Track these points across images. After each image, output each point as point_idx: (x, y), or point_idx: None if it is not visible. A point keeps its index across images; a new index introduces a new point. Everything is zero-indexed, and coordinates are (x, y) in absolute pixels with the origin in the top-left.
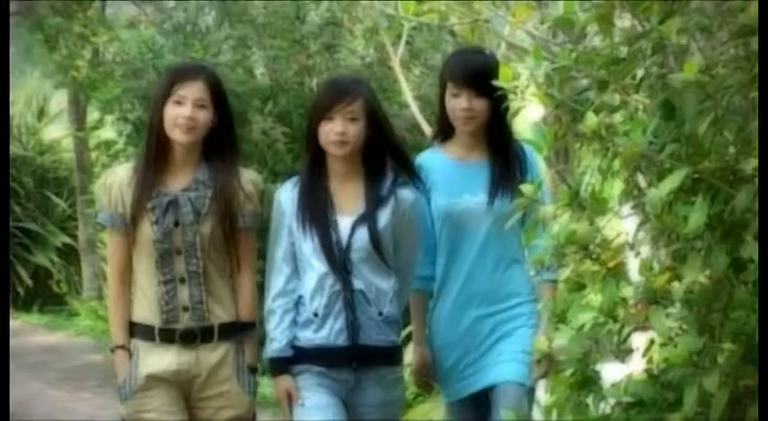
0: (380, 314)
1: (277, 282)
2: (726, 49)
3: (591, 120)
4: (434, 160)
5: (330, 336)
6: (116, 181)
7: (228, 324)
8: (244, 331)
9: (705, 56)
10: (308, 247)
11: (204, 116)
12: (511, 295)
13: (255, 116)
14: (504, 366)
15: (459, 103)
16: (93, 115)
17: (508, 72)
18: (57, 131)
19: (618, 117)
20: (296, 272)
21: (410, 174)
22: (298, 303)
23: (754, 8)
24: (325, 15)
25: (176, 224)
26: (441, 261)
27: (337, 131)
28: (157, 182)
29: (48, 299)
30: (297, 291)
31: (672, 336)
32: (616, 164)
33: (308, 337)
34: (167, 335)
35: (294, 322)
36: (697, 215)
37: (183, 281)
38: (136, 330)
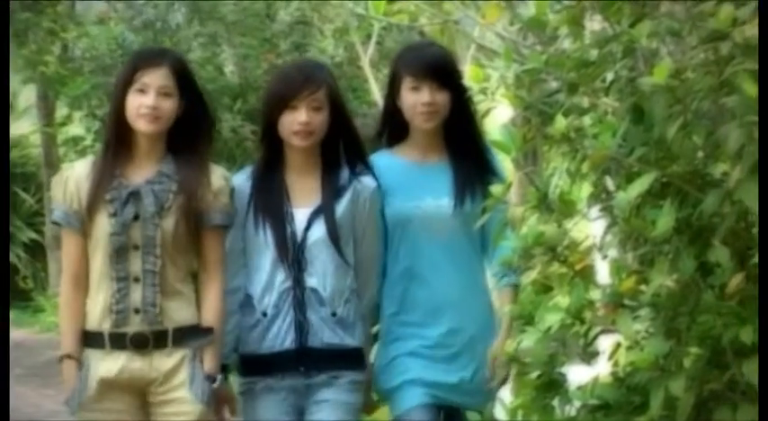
0: (334, 315)
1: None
2: (695, 53)
3: (560, 122)
4: (387, 163)
5: (277, 338)
6: (73, 175)
7: (185, 328)
8: (204, 337)
9: (675, 60)
10: (260, 241)
11: (169, 105)
12: (472, 305)
13: (225, 114)
14: (473, 394)
15: (421, 97)
16: (61, 111)
17: (479, 73)
18: (25, 127)
19: (587, 120)
20: (243, 268)
21: (366, 165)
22: (245, 303)
23: (724, 13)
24: (296, 14)
25: (136, 217)
26: (397, 270)
27: (302, 121)
28: (118, 173)
29: (14, 295)
30: (243, 289)
31: (638, 340)
32: (585, 166)
33: (255, 340)
34: (117, 340)
35: (240, 324)
36: (665, 219)
37: (136, 280)
38: (88, 339)
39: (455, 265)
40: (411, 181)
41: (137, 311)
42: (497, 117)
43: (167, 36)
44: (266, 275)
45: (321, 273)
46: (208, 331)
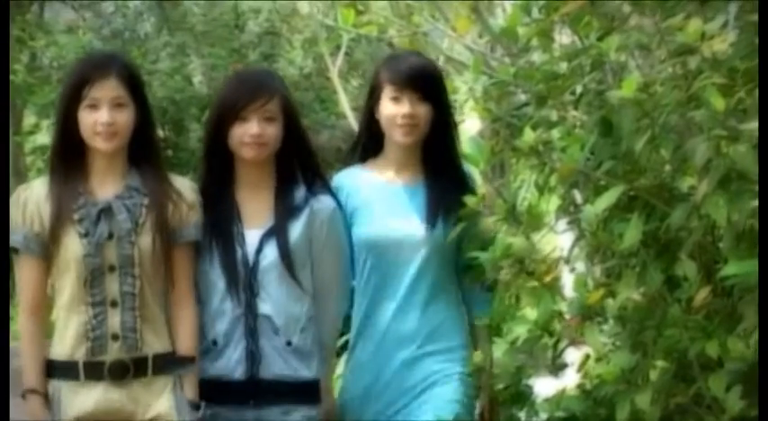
0: (289, 344)
1: None
2: (664, 67)
3: (528, 135)
4: (356, 181)
5: (227, 368)
6: (32, 196)
7: (165, 355)
8: (184, 363)
9: (643, 74)
10: (210, 265)
11: (125, 117)
12: (444, 336)
13: (193, 124)
14: (435, 411)
15: (401, 109)
16: (29, 119)
17: (448, 85)
18: None
19: (555, 133)
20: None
21: (324, 182)
22: None
23: (692, 27)
24: (265, 25)
25: (110, 236)
26: (361, 298)
27: (253, 133)
28: (82, 191)
29: None
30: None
31: (605, 352)
32: (553, 179)
33: (204, 367)
34: (94, 370)
35: None
36: (632, 232)
37: (114, 304)
38: (55, 370)
39: (424, 293)
40: (381, 201)
41: (115, 338)
42: (466, 129)
43: (135, 45)
44: (216, 301)
45: (275, 300)
46: (188, 359)
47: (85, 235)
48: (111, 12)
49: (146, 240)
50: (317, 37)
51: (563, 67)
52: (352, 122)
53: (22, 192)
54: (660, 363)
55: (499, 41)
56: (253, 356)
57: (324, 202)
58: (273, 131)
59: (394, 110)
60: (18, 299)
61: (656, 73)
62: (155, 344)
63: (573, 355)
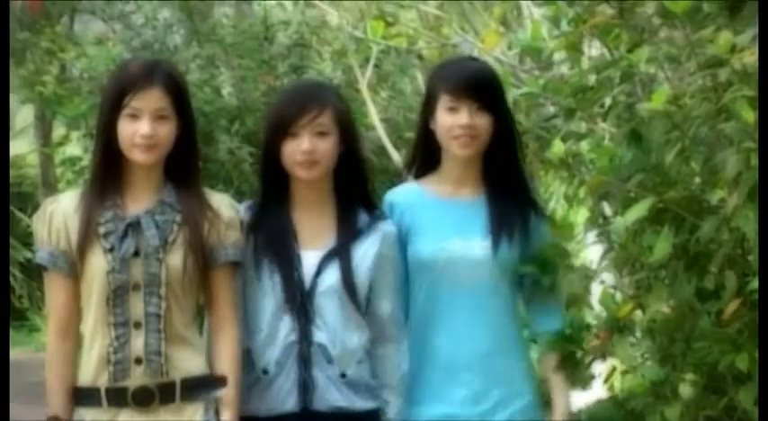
0: (343, 376)
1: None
2: (694, 79)
3: (557, 147)
4: (412, 197)
5: (278, 399)
6: (58, 209)
7: (194, 379)
8: (216, 387)
9: (673, 86)
10: (262, 288)
11: (167, 130)
12: (507, 364)
13: (222, 136)
14: None
15: (458, 119)
16: (58, 131)
17: None
18: (22, 147)
19: (585, 145)
20: (242, 319)
21: (374, 204)
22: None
23: (722, 39)
24: (294, 37)
25: (137, 253)
26: (417, 321)
27: (304, 149)
28: (112, 204)
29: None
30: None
31: (634, 365)
32: (582, 191)
33: (253, 400)
34: (117, 397)
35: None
36: (662, 244)
37: (138, 325)
38: (80, 396)
39: (484, 317)
40: (440, 218)
41: (138, 361)
42: None
43: (165, 58)
44: (268, 327)
45: (331, 327)
46: (220, 380)
47: (110, 250)
48: (141, 24)
49: (175, 258)
50: (347, 49)
51: (592, 79)
52: (382, 134)
53: (48, 205)
54: (690, 376)
55: (528, 54)
56: (305, 386)
57: (389, 225)
58: (326, 147)
59: (451, 121)
60: (47, 317)
61: (685, 85)
62: (183, 368)
63: (599, 367)
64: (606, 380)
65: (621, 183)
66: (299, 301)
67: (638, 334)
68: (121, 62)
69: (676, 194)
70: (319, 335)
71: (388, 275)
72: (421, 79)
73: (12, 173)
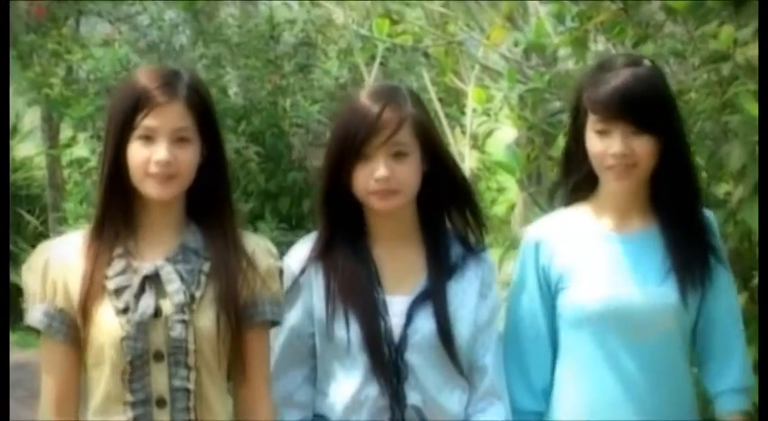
0: None
1: (278, 391)
2: (698, 74)
3: (563, 142)
4: (563, 232)
5: None
6: (55, 258)
7: None
8: None
9: (677, 80)
10: (342, 341)
11: (189, 155)
12: None
13: (229, 135)
14: None
15: (611, 146)
16: (65, 133)
17: (482, 94)
18: (29, 149)
19: None
20: (311, 377)
21: (480, 230)
22: None
23: (725, 34)
24: (300, 36)
25: (157, 313)
26: (569, 390)
27: (379, 177)
28: (124, 252)
29: (18, 316)
30: (310, 406)
31: None
32: None
33: None
34: None
35: None
36: None
37: (161, 403)
38: None
39: (658, 383)
40: (604, 258)
41: None
42: (501, 138)
43: (171, 58)
44: (352, 389)
45: (425, 387)
46: None
47: (124, 311)
48: (147, 25)
49: (205, 319)
50: (353, 47)
51: None
52: None
53: (41, 253)
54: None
55: (534, 50)
56: None
57: (488, 260)
58: (407, 171)
59: (602, 146)
60: (42, 390)
61: (690, 80)
62: None
63: None
64: None
65: None
66: (389, 357)
67: None
68: (132, 71)
69: None
70: (413, 396)
71: (493, 321)
72: (427, 77)
73: (19, 175)
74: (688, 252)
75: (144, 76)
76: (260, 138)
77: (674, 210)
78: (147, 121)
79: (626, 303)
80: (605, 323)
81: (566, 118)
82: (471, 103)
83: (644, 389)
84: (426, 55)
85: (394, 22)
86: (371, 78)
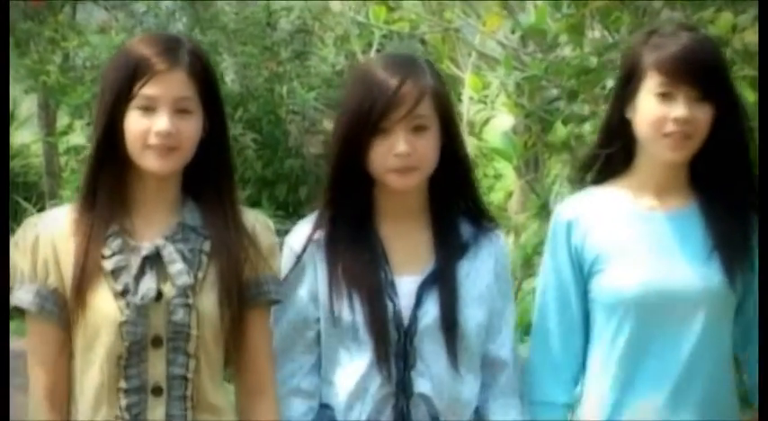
0: None
1: (283, 379)
2: None
3: (560, 130)
4: (597, 210)
5: None
6: (45, 234)
7: None
8: None
9: None
10: (347, 325)
11: (191, 127)
12: None
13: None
14: None
15: (673, 110)
16: (62, 120)
17: (478, 81)
18: (26, 136)
19: (587, 127)
20: (317, 366)
21: (485, 212)
22: (320, 418)
23: (723, 20)
24: (296, 23)
25: (159, 296)
26: (607, 377)
27: (400, 151)
28: (120, 229)
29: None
30: (316, 395)
31: None
32: None
33: None
34: None
35: None
36: None
37: (158, 391)
38: None
39: (708, 370)
40: (643, 239)
41: None
42: (498, 125)
43: None
44: (357, 376)
45: (435, 373)
46: None
47: (123, 294)
48: (143, 12)
49: (208, 302)
50: (349, 34)
51: (594, 61)
52: None
53: (30, 229)
54: None
55: (530, 37)
56: None
57: (500, 238)
58: (426, 146)
59: (662, 111)
60: (30, 381)
61: None
62: None
63: None
64: None
65: None
66: (398, 342)
67: None
68: (127, 41)
69: None
70: (422, 384)
71: (509, 304)
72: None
73: (16, 163)
74: (733, 230)
75: (142, 43)
76: (257, 125)
77: (719, 186)
78: (147, 90)
79: (669, 286)
80: (645, 308)
81: (563, 105)
82: (468, 90)
83: (685, 381)
84: (423, 42)
85: (390, 9)
86: None
